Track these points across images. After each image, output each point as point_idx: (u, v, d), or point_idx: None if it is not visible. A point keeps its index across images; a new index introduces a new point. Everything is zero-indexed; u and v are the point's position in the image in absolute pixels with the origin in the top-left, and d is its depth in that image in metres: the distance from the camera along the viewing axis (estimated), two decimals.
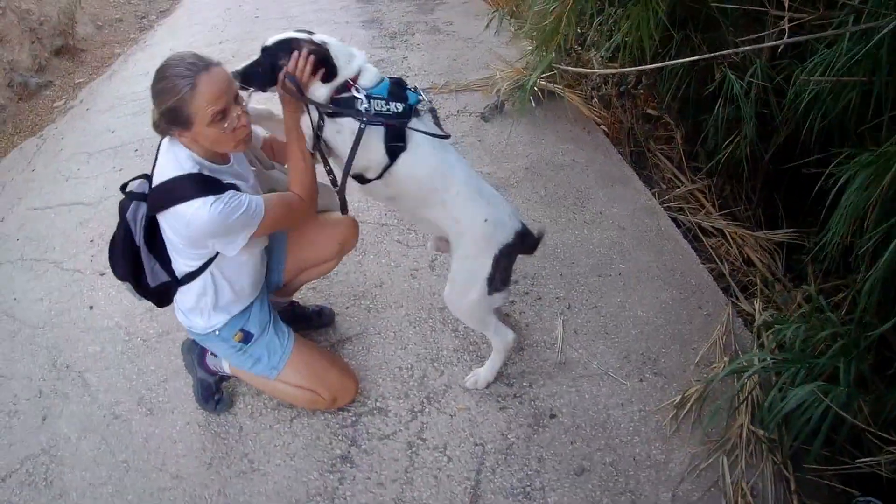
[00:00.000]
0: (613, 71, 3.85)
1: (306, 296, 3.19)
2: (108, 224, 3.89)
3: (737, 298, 3.17)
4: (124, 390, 2.89)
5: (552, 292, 3.09)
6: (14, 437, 2.79)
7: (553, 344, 2.85)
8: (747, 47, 2.78)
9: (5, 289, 3.71)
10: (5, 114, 6.28)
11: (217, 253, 2.20)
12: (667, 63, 3.16)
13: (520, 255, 2.52)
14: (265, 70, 2.19)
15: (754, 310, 3.01)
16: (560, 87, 4.50)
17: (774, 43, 2.62)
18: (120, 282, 2.33)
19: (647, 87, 4.38)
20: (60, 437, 2.74)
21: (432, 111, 2.34)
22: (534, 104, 4.47)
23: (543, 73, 4.27)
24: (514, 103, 4.51)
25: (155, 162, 2.17)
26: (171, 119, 1.99)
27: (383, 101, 2.17)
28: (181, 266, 2.24)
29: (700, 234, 3.59)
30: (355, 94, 2.17)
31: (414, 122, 2.24)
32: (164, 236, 2.18)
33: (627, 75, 4.29)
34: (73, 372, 3.04)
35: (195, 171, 2.05)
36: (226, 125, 1.99)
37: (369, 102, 2.16)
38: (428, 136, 2.25)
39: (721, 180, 3.85)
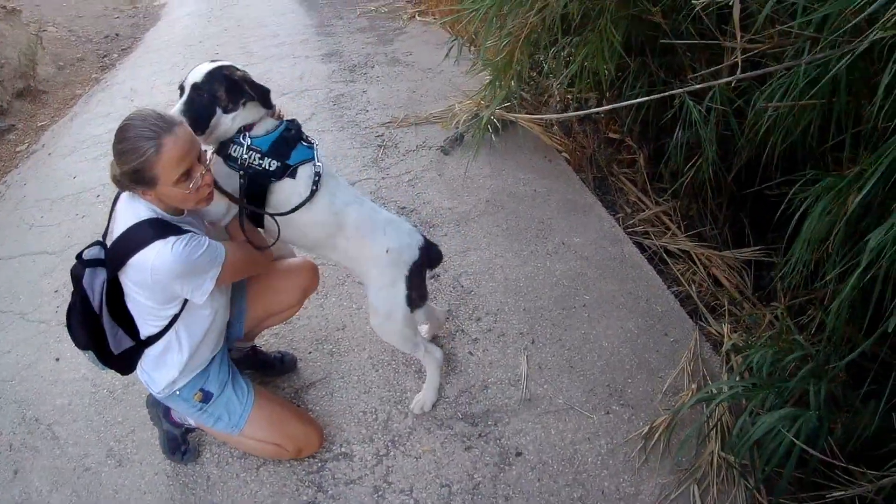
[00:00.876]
0: (576, 114, 3.91)
1: (268, 342, 3.17)
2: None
3: (705, 321, 3.16)
4: (93, 442, 2.86)
5: (515, 328, 3.07)
6: None
7: (517, 380, 2.83)
8: (699, 85, 2.81)
9: None
10: None
11: (181, 309, 2.17)
12: (627, 103, 3.23)
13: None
14: (205, 109, 2.16)
15: (723, 332, 3.01)
16: (519, 115, 4.50)
17: (728, 79, 2.64)
18: (80, 350, 2.25)
19: (608, 111, 4.36)
20: (33, 490, 2.73)
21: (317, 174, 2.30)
22: (493, 135, 4.47)
23: (500, 104, 4.29)
24: (472, 135, 4.50)
25: (110, 218, 2.15)
26: (134, 179, 1.95)
27: (258, 155, 2.20)
28: (147, 328, 2.19)
29: (666, 258, 3.59)
30: (240, 139, 2.21)
31: (305, 171, 2.28)
32: (127, 299, 2.13)
33: (588, 100, 4.32)
34: (43, 425, 3.01)
35: (153, 216, 2.02)
36: (190, 185, 1.98)
37: (247, 153, 2.20)
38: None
39: (686, 201, 3.84)
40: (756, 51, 2.37)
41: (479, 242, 3.60)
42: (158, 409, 2.62)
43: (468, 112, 4.65)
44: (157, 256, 1.94)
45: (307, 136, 2.35)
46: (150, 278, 1.98)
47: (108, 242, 2.11)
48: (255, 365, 2.92)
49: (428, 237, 2.57)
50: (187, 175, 1.96)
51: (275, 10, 9.22)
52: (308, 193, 2.25)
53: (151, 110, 1.97)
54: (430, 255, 2.53)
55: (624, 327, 3.07)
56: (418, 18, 7.79)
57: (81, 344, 2.19)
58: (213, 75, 2.15)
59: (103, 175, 4.94)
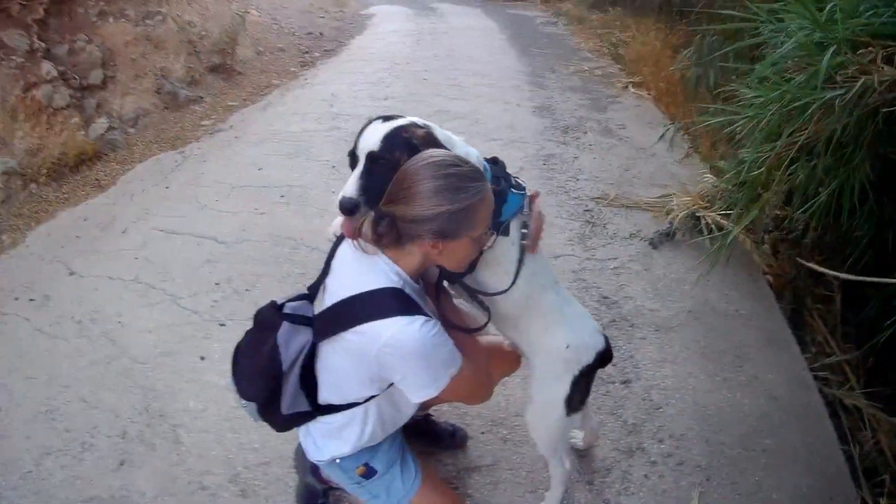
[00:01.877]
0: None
1: (440, 409, 3.04)
2: (239, 270, 4.11)
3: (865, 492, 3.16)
4: (219, 461, 2.78)
5: (694, 459, 3.15)
6: (83, 471, 2.76)
7: None
8: None
9: (110, 307, 3.71)
10: (147, 119, 6.49)
11: (380, 393, 2.02)
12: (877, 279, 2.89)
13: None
14: (388, 180, 1.82)
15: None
16: (729, 222, 4.48)
17: None
18: (243, 400, 2.09)
19: (816, 238, 4.33)
20: (135, 489, 2.66)
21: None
22: (708, 240, 4.50)
23: (721, 209, 4.37)
24: (685, 234, 4.62)
25: (325, 272, 2.04)
26: (439, 226, 1.73)
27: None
28: (332, 397, 2.05)
29: (839, 411, 3.58)
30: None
31: (516, 225, 2.11)
32: (322, 363, 2.02)
33: (796, 220, 4.29)
34: (167, 423, 2.97)
35: (399, 286, 1.84)
36: (485, 239, 1.89)
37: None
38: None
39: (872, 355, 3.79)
40: None
41: (677, 356, 3.71)
42: (306, 462, 2.42)
43: (684, 209, 4.70)
44: (398, 332, 1.75)
45: (516, 178, 2.16)
46: (377, 351, 1.78)
47: (323, 300, 2.00)
48: (424, 433, 2.84)
49: (609, 339, 2.45)
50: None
51: (487, 47, 9.43)
52: (519, 254, 2.09)
53: (448, 153, 1.83)
54: (602, 359, 2.39)
55: (796, 484, 3.08)
56: (632, 90, 7.83)
57: (249, 395, 2.06)
58: (392, 140, 1.85)
59: (291, 175, 5.29)
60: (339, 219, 1.99)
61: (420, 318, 1.78)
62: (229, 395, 2.79)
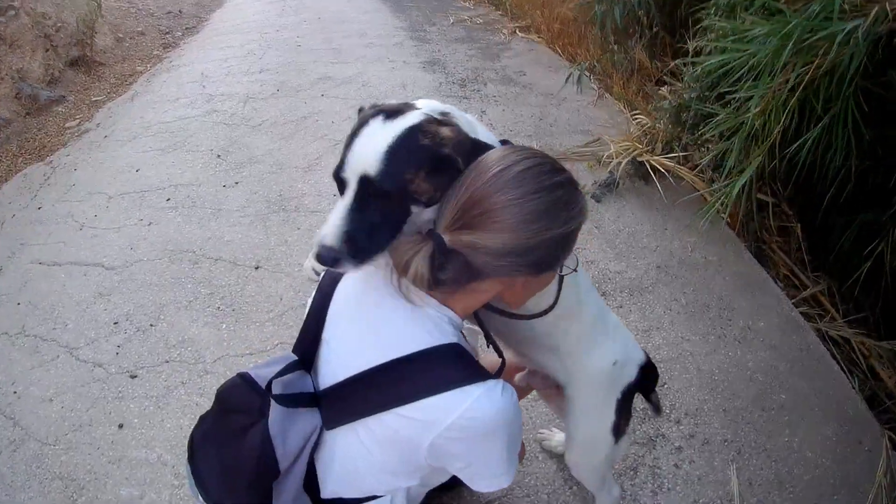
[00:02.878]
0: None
1: None
2: (137, 301, 3.53)
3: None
4: None
5: (719, 433, 2.88)
6: None
7: (730, 501, 2.64)
8: None
9: (3, 375, 3.15)
10: (9, 130, 5.78)
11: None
12: None
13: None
14: (394, 216, 1.31)
15: None
16: (681, 166, 4.25)
17: None
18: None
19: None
20: None
21: None
22: (645, 181, 4.28)
23: (664, 151, 4.09)
24: (624, 182, 4.31)
25: (318, 321, 1.50)
26: (541, 256, 1.28)
27: None
28: (365, 488, 1.48)
29: (828, 343, 3.42)
30: None
31: None
32: (339, 453, 1.46)
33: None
34: None
35: (456, 339, 1.36)
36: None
37: None
38: None
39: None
40: None
41: (662, 321, 3.40)
42: None
43: (625, 155, 4.35)
44: (474, 408, 1.26)
45: None
46: (436, 436, 1.29)
47: (324, 366, 1.47)
48: None
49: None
50: None
51: (357, 7, 8.97)
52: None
53: (523, 150, 1.31)
54: (646, 376, 1.96)
55: (823, 434, 2.90)
56: (521, 35, 7.56)
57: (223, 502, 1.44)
58: (403, 154, 1.25)
59: (173, 172, 4.74)
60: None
61: (497, 384, 1.31)
62: (166, 471, 2.61)
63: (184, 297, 3.66)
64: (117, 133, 5.63)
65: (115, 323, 3.47)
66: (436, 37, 7.63)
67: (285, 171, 4.84)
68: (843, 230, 3.50)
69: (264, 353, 3.24)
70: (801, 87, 2.59)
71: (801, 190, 3.74)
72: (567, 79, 5.06)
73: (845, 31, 2.32)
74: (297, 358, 1.50)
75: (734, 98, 2.91)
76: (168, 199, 4.51)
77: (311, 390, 1.47)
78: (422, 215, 1.34)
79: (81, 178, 4.93)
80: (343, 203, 1.28)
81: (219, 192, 4.61)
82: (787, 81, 2.64)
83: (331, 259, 1.27)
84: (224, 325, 3.42)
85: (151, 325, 3.47)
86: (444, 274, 1.26)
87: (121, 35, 8.29)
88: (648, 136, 4.32)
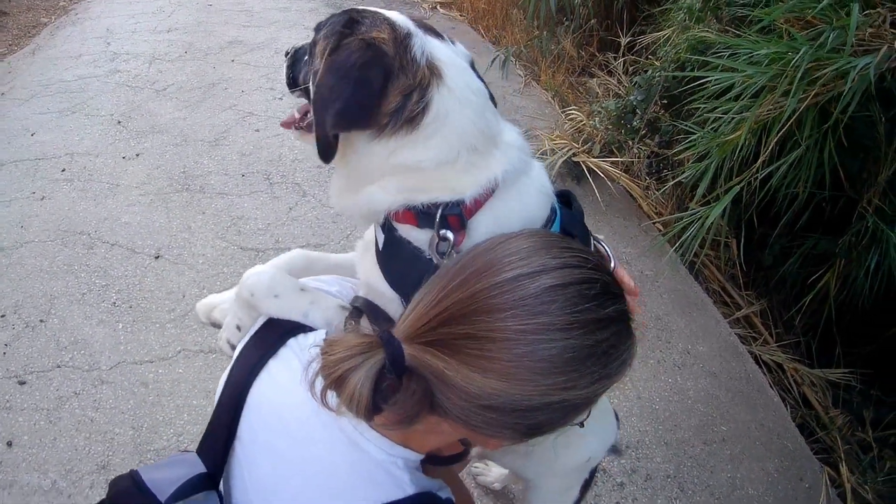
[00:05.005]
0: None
1: None
2: (26, 290, 3.23)
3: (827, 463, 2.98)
4: None
5: (660, 468, 2.73)
6: None
7: None
8: None
9: None
10: None
11: None
12: None
13: None
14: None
15: (842, 476, 2.87)
16: (622, 174, 4.08)
17: None
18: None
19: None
20: None
21: None
22: (578, 182, 4.09)
23: (602, 153, 3.91)
24: (560, 182, 4.08)
25: (232, 420, 1.08)
26: (549, 417, 0.88)
27: None
28: None
29: (761, 365, 3.36)
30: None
31: None
32: None
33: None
34: None
35: (411, 491, 0.98)
36: None
37: None
38: None
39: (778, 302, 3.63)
40: None
41: None
42: None
43: (561, 155, 4.09)
44: None
45: (596, 239, 1.23)
46: None
47: (236, 492, 1.08)
48: None
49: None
50: None
51: None
52: None
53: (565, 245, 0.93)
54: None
55: (765, 469, 2.81)
56: (441, 10, 7.27)
57: None
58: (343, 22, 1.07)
59: (70, 139, 4.38)
60: (229, 307, 1.26)
61: None
62: (60, 500, 2.35)
63: (76, 289, 3.26)
64: (15, 91, 5.15)
65: (2, 316, 3.10)
66: (352, 4, 7.21)
67: (190, 143, 4.45)
68: (785, 255, 3.41)
69: (165, 360, 2.89)
70: (791, 115, 2.40)
71: (736, 201, 3.61)
72: (492, 62, 4.78)
73: (857, 67, 2.13)
74: (203, 471, 1.07)
75: (709, 118, 2.70)
76: (63, 171, 4.10)
77: None
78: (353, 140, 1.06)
79: None
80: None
81: (118, 165, 4.20)
82: (778, 108, 2.43)
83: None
84: (120, 325, 3.05)
85: (41, 321, 3.08)
86: (391, 402, 0.85)
87: None
88: (585, 135, 4.10)
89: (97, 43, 6.04)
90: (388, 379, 0.83)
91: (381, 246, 1.10)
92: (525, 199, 1.08)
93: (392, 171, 1.04)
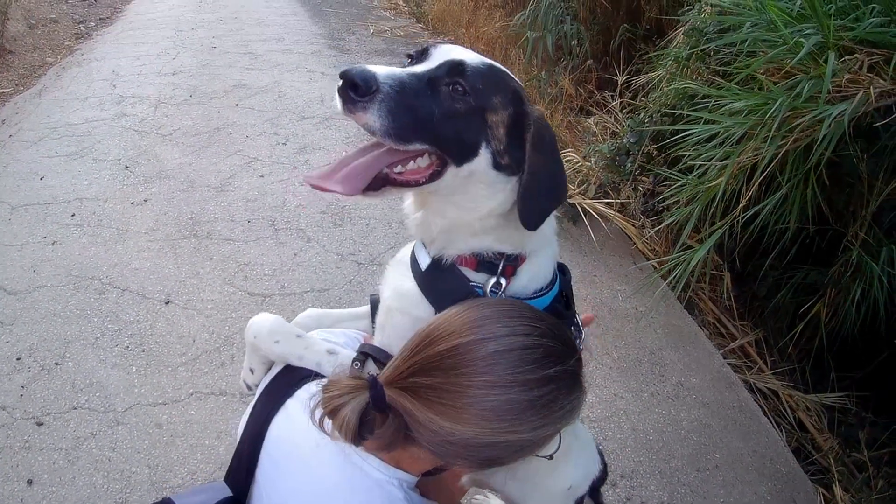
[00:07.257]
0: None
1: None
2: (41, 334, 3.32)
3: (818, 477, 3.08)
4: None
5: (654, 496, 2.82)
6: None
7: None
8: None
9: None
10: None
11: None
12: None
13: None
14: (456, 122, 1.10)
15: (835, 496, 2.94)
16: (618, 214, 4.18)
17: None
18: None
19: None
20: None
21: None
22: (574, 223, 4.22)
23: (597, 195, 4.04)
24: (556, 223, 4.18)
25: (252, 452, 1.28)
26: (498, 454, 1.10)
27: None
28: None
29: (755, 393, 3.46)
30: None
31: None
32: None
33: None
34: None
35: None
36: None
37: None
38: None
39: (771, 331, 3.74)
40: None
41: (594, 376, 3.31)
42: None
43: None
44: None
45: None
46: None
47: None
48: None
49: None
50: None
51: (274, 9, 8.74)
52: None
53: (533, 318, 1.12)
54: (594, 484, 1.81)
55: (758, 493, 2.90)
56: None
57: None
58: (500, 76, 1.16)
59: (79, 184, 4.48)
60: (256, 366, 1.43)
61: None
62: None
63: (90, 333, 3.38)
64: (23, 132, 5.27)
65: (18, 359, 3.19)
66: (355, 47, 7.45)
67: (197, 189, 4.58)
68: (777, 286, 3.53)
69: (178, 402, 3.00)
70: (772, 160, 2.54)
71: (729, 236, 3.74)
72: None
73: (832, 116, 2.27)
74: (230, 495, 1.29)
75: (695, 164, 2.84)
76: (73, 215, 4.21)
77: None
78: (474, 167, 1.14)
79: None
80: (412, 67, 1.12)
81: (126, 210, 4.32)
82: (757, 153, 2.57)
83: (360, 76, 1.01)
84: (134, 368, 3.16)
85: (56, 364, 3.18)
86: (374, 433, 1.10)
87: (33, 21, 7.87)
88: (581, 176, 4.25)
89: (103, 85, 6.18)
90: (372, 413, 1.08)
91: (423, 266, 1.27)
92: (547, 263, 1.31)
93: (494, 216, 1.21)
